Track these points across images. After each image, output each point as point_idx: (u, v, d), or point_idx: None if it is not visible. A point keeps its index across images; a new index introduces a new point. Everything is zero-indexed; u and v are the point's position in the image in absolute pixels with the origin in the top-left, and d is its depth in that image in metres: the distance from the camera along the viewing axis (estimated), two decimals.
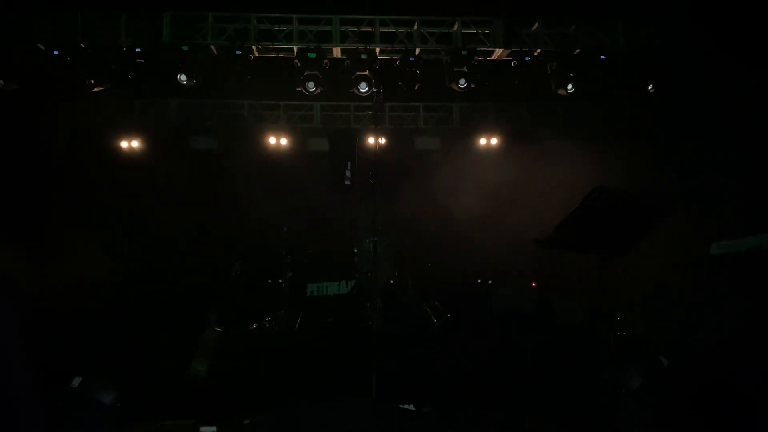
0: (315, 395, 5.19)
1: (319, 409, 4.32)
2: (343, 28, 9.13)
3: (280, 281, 8.66)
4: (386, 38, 9.21)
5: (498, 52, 9.34)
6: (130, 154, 10.92)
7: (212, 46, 9.00)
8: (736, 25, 7.81)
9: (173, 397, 5.71)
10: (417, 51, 9.13)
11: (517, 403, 5.78)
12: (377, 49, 9.12)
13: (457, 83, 9.00)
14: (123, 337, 6.81)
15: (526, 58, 9.04)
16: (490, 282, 9.87)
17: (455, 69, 8.97)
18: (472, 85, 9.06)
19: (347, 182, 8.42)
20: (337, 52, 9.24)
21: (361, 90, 8.97)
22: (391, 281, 8.57)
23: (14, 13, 8.60)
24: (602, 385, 3.75)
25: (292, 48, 9.05)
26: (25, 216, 9.19)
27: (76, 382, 3.81)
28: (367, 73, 8.95)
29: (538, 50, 9.20)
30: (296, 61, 8.95)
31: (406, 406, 4.91)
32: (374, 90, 8.73)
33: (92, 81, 8.66)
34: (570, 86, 9.06)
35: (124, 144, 10.93)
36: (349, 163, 8.44)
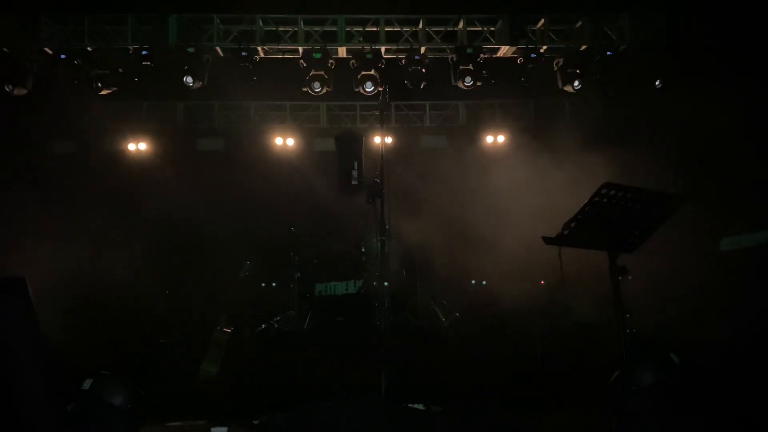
0: (324, 395, 5.19)
1: (328, 408, 4.32)
2: (348, 28, 9.15)
3: (288, 282, 8.68)
4: (391, 37, 9.22)
5: (504, 50, 9.32)
6: (138, 156, 10.96)
7: (218, 48, 9.04)
8: (742, 19, 7.76)
9: (184, 398, 5.74)
10: (422, 50, 9.12)
11: (527, 400, 5.76)
12: (382, 49, 9.13)
13: (463, 81, 8.99)
14: (133, 339, 6.84)
15: (532, 55, 9.01)
16: (484, 282, 9.86)
17: (461, 67, 8.97)
18: (478, 83, 9.06)
19: (354, 182, 8.42)
20: (342, 51, 9.25)
21: (367, 89, 8.98)
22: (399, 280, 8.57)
23: (22, 17, 8.66)
24: (612, 382, 3.72)
25: (298, 48, 9.08)
26: (32, 218, 9.24)
27: (87, 383, 3.82)
28: (372, 72, 8.95)
29: (544, 47, 9.17)
30: (302, 61, 8.97)
31: (415, 405, 4.90)
32: (380, 89, 8.73)
33: (99, 84, 8.71)
34: (577, 83, 9.03)
35: (131, 146, 10.97)
36: (355, 163, 8.43)
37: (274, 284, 9.51)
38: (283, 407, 4.81)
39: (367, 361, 5.68)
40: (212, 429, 4.73)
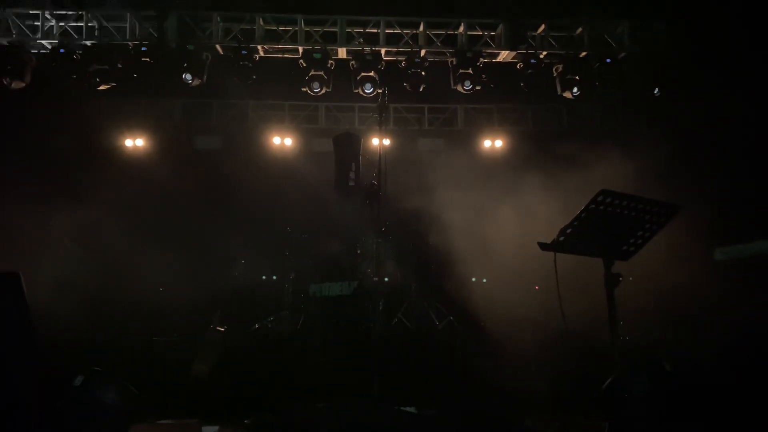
0: (316, 396, 5.18)
1: (320, 410, 4.31)
2: (349, 29, 9.16)
3: (282, 281, 8.66)
4: (391, 39, 9.23)
5: (503, 54, 9.34)
6: (135, 153, 10.93)
7: (218, 46, 9.03)
8: (741, 26, 7.79)
9: (175, 396, 5.71)
10: (422, 52, 9.13)
11: (520, 406, 5.76)
12: (382, 50, 9.14)
13: (462, 85, 9.02)
14: (126, 336, 6.81)
15: (532, 61, 9.04)
16: (485, 280, 9.84)
17: (460, 71, 8.99)
18: (477, 87, 9.08)
19: (351, 183, 8.42)
20: (342, 52, 9.25)
21: (366, 91, 8.99)
22: (395, 282, 8.57)
23: (21, 12, 8.64)
24: (605, 389, 3.73)
25: (298, 48, 9.08)
26: (28, 214, 9.20)
27: (79, 380, 3.80)
28: (372, 74, 8.96)
29: (544, 53, 9.20)
30: (301, 61, 8.97)
31: (407, 409, 4.90)
32: (379, 91, 8.74)
33: (98, 79, 8.69)
34: (575, 89, 9.06)
35: (128, 142, 10.95)
36: (353, 165, 8.43)
37: (272, 281, 9.46)
38: (274, 408, 4.81)
39: (360, 363, 5.66)
40: (203, 428, 4.71)
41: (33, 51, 8.74)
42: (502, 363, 6.50)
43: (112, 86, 8.85)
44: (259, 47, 9.02)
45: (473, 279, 9.81)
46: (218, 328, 6.73)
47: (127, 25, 8.82)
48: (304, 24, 9.07)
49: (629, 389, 3.48)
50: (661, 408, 3.36)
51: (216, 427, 4.70)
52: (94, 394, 3.78)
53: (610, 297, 4.19)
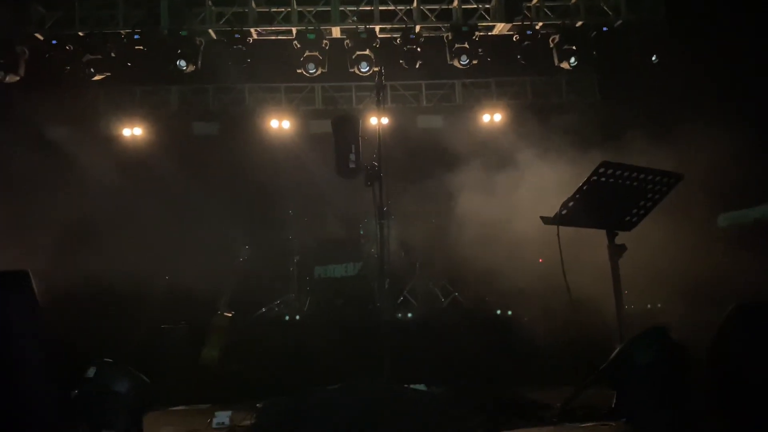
0: (326, 377, 5.24)
1: (330, 391, 4.35)
2: (342, 8, 9.07)
3: (287, 265, 8.69)
4: (386, 16, 9.14)
5: (499, 27, 9.26)
6: (133, 142, 10.90)
7: (211, 31, 8.96)
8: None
9: (187, 383, 5.78)
10: (417, 28, 9.04)
11: (527, 378, 5.82)
12: (377, 28, 9.05)
13: (459, 60, 8.95)
14: (135, 325, 6.85)
15: (528, 32, 8.96)
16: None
17: (456, 45, 8.92)
18: (474, 61, 9.01)
19: (352, 165, 8.40)
20: (336, 32, 9.17)
21: (362, 69, 8.94)
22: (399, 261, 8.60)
23: (11, 2, 8.55)
24: (612, 359, 3.76)
25: (291, 30, 9.00)
26: (28, 206, 9.21)
27: (91, 372, 3.85)
28: (367, 52, 8.90)
29: (540, 24, 9.11)
30: (295, 42, 8.90)
31: (416, 386, 4.95)
32: (375, 69, 8.68)
33: (92, 69, 8.63)
34: (573, 59, 8.98)
35: (126, 132, 10.91)
36: (353, 146, 8.41)
37: (276, 265, 9.49)
38: (285, 391, 4.86)
39: (368, 342, 5.71)
40: (216, 413, 4.78)
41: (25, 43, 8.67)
42: (507, 337, 6.56)
43: (107, 76, 8.80)
44: (252, 30, 8.94)
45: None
46: (225, 313, 6.78)
47: (120, 12, 8.74)
48: (297, 4, 8.98)
49: (636, 359, 3.52)
50: (667, 377, 3.40)
51: (228, 412, 4.76)
52: (107, 385, 3.83)
53: (615, 268, 4.22)
